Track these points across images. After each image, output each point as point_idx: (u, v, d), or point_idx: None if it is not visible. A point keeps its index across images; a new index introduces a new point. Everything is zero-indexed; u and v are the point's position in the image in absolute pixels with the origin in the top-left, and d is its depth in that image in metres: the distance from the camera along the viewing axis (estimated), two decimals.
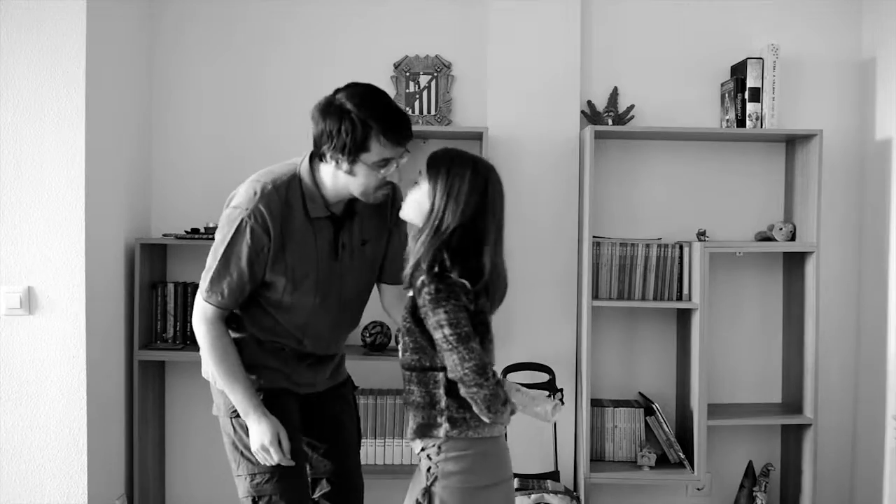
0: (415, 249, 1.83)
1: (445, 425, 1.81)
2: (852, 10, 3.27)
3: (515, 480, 2.63)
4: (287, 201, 1.94)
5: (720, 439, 3.26)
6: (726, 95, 3.17)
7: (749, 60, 3.08)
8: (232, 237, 1.93)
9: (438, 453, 1.82)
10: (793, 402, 3.16)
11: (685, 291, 3.03)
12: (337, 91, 1.91)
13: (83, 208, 2.66)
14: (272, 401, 2.04)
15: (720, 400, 3.25)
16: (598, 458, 3.11)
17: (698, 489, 3.27)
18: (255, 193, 1.93)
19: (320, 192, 1.97)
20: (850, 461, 3.30)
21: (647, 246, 3.04)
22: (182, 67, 3.25)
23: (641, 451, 3.05)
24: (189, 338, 3.10)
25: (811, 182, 3.02)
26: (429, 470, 1.83)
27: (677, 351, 3.24)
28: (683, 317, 3.16)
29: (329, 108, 1.87)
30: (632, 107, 3.20)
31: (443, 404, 1.82)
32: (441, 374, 1.81)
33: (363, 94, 1.89)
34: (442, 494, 1.80)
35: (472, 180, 1.81)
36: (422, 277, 1.77)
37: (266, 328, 2.06)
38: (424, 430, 1.84)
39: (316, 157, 1.97)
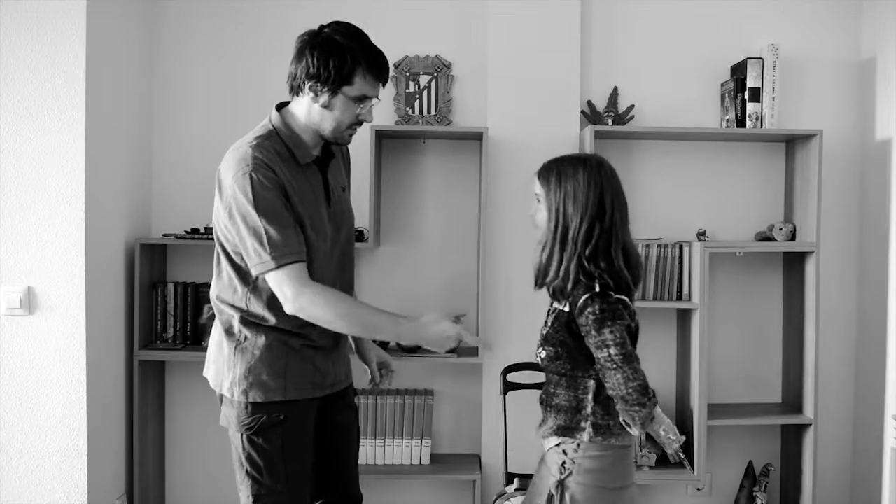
0: (547, 258, 1.89)
1: (590, 430, 1.88)
2: (852, 10, 3.27)
3: (516, 480, 2.64)
4: (276, 152, 1.92)
5: (720, 439, 3.26)
6: (726, 95, 3.17)
7: (749, 60, 3.08)
8: (254, 196, 1.83)
9: (577, 450, 1.88)
10: (793, 402, 3.16)
11: (685, 291, 3.03)
12: (322, 26, 1.95)
13: (83, 208, 2.66)
14: (292, 419, 1.96)
15: (720, 400, 3.25)
16: None
17: (698, 489, 3.27)
18: (246, 153, 1.88)
19: (301, 137, 1.97)
20: (850, 461, 3.30)
21: (647, 246, 3.04)
22: (182, 67, 3.25)
23: (641, 451, 3.05)
24: (189, 337, 3.10)
25: (811, 182, 3.02)
26: (563, 464, 1.89)
27: (677, 351, 3.24)
28: (683, 317, 3.16)
29: (316, 41, 1.92)
30: (632, 107, 3.20)
31: (589, 410, 1.88)
32: (592, 382, 1.88)
33: (352, 30, 1.96)
34: (575, 490, 1.87)
35: (585, 177, 1.87)
36: (584, 297, 1.82)
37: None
38: (565, 432, 1.90)
39: (292, 93, 1.96)
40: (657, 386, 3.23)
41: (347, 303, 1.92)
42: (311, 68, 1.89)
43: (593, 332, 1.80)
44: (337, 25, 1.96)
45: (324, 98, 1.92)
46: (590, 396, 1.88)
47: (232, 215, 1.89)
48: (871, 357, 3.16)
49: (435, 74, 3.21)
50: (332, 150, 2.07)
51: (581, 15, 3.18)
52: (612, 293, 1.82)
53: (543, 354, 1.93)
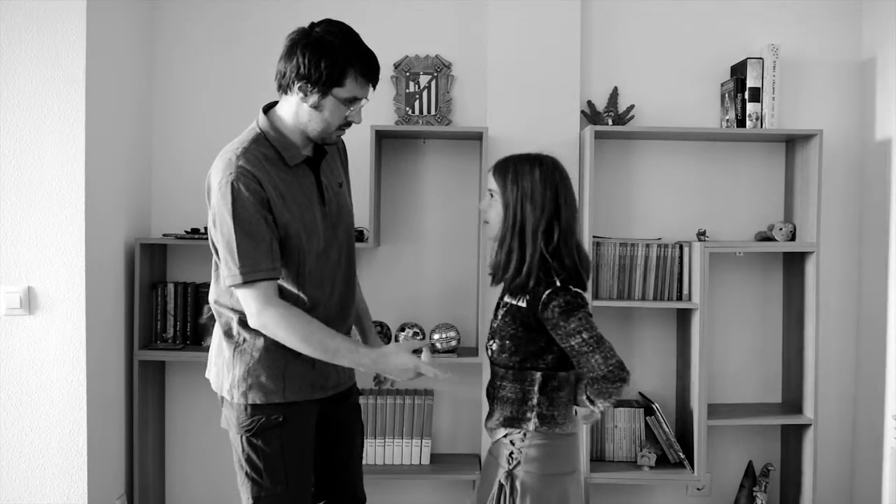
0: (506, 255, 1.94)
1: (535, 420, 1.95)
2: (852, 10, 3.27)
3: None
4: (263, 156, 1.89)
5: (720, 439, 3.26)
6: (726, 95, 3.17)
7: (749, 60, 3.08)
8: (233, 206, 1.82)
9: (523, 440, 1.95)
10: (793, 402, 3.16)
11: (685, 291, 3.03)
12: (313, 25, 1.91)
13: (83, 208, 2.66)
14: (291, 421, 1.97)
15: (720, 400, 3.25)
16: (598, 458, 3.11)
17: (698, 489, 3.27)
18: (230, 161, 1.86)
19: (289, 138, 1.95)
20: (850, 461, 3.30)
21: (647, 246, 3.04)
22: (182, 67, 3.25)
23: (641, 451, 3.05)
24: (189, 337, 3.10)
25: (811, 182, 3.02)
26: (511, 454, 1.96)
27: (677, 351, 3.24)
28: (683, 317, 3.16)
29: (307, 40, 1.87)
30: (632, 107, 3.20)
31: (534, 401, 1.95)
32: (538, 374, 1.94)
33: (344, 30, 1.91)
34: (524, 477, 1.93)
35: (541, 176, 1.94)
36: (547, 292, 1.88)
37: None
38: (512, 422, 1.97)
39: (280, 91, 1.94)
40: (657, 386, 3.25)
41: (310, 326, 1.88)
42: (302, 68, 1.86)
43: (561, 324, 1.86)
44: (329, 25, 1.92)
45: (313, 99, 1.89)
46: (535, 388, 1.95)
47: (214, 222, 1.89)
48: (871, 357, 3.16)
49: (435, 74, 3.21)
50: (326, 148, 2.05)
51: (581, 15, 3.18)
52: (570, 287, 1.91)
53: (494, 347, 1.99)
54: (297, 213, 1.92)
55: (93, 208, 2.71)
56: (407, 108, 3.20)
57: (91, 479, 2.71)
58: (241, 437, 1.97)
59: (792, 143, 3.19)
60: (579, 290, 1.93)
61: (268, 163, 1.89)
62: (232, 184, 1.83)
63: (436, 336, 3.04)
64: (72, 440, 2.68)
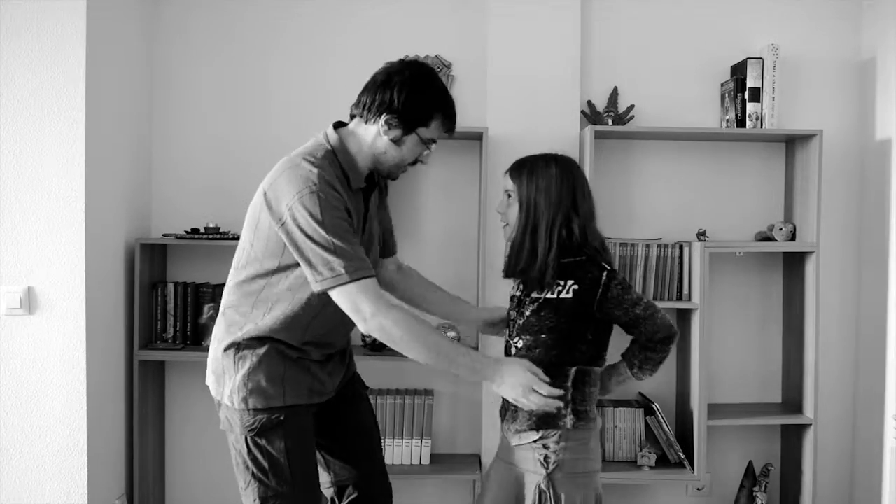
0: (517, 249, 1.97)
1: (571, 417, 1.93)
2: (852, 10, 3.27)
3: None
4: (334, 173, 1.91)
5: (720, 439, 3.26)
6: (726, 95, 3.17)
7: (749, 60, 3.08)
8: (322, 214, 1.81)
9: (559, 442, 1.92)
10: (793, 402, 3.16)
11: (685, 291, 3.03)
12: (404, 63, 1.98)
13: (83, 208, 2.66)
14: (292, 420, 1.97)
15: (720, 400, 3.25)
16: None
17: (698, 489, 3.27)
18: (308, 173, 1.85)
19: (356, 161, 1.98)
20: (850, 461, 3.30)
21: (647, 246, 3.04)
22: (182, 67, 3.25)
23: (641, 451, 3.05)
24: (189, 337, 3.10)
25: (811, 182, 3.02)
26: (545, 458, 1.92)
27: (677, 351, 3.24)
28: (683, 317, 3.16)
29: (403, 77, 1.93)
30: (632, 107, 3.20)
31: (569, 397, 1.93)
32: (572, 369, 1.93)
33: (436, 76, 2.00)
34: (563, 480, 1.91)
35: (558, 173, 1.96)
36: (604, 274, 1.92)
37: (301, 322, 1.96)
38: (548, 421, 1.93)
39: (360, 119, 1.97)
40: (657, 386, 3.25)
41: (427, 328, 1.88)
42: (395, 103, 1.91)
43: (626, 297, 1.91)
44: (422, 67, 2.00)
45: (395, 133, 1.94)
46: (570, 383, 1.94)
47: (290, 231, 1.85)
48: (871, 357, 3.16)
49: None
50: (376, 180, 2.09)
51: (581, 15, 3.18)
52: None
53: (521, 344, 1.97)
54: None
55: (93, 208, 2.71)
56: None
57: (91, 479, 2.71)
58: (246, 438, 1.97)
59: (792, 143, 3.19)
60: None
61: (336, 180, 1.91)
62: (318, 195, 1.83)
63: None
64: (72, 440, 2.68)
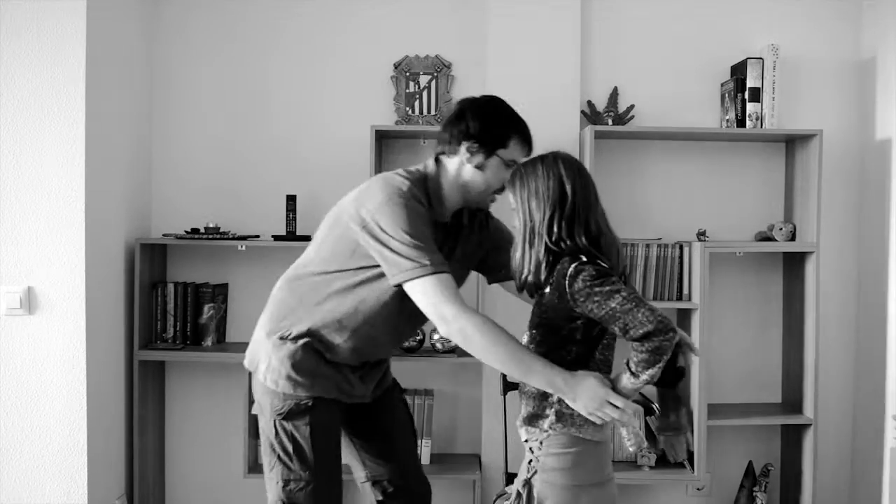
0: (520, 259, 1.89)
1: (552, 418, 1.86)
2: (852, 10, 3.27)
3: (516, 480, 2.63)
4: (420, 194, 1.98)
5: (720, 439, 3.26)
6: (726, 95, 3.17)
7: (749, 60, 3.08)
8: (408, 221, 1.89)
9: (540, 448, 1.87)
10: (793, 402, 3.16)
11: (685, 291, 3.03)
12: (477, 96, 2.11)
13: (83, 208, 2.66)
14: (320, 408, 2.03)
15: (720, 400, 3.25)
16: None
17: (698, 489, 3.27)
18: (400, 186, 1.94)
19: (444, 194, 2.05)
20: (850, 461, 3.30)
21: (647, 246, 3.04)
22: (182, 67, 3.25)
23: (641, 451, 3.05)
24: (189, 337, 3.09)
25: (811, 182, 3.02)
26: (530, 462, 1.89)
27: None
28: (683, 317, 3.16)
29: (475, 106, 2.05)
30: (632, 107, 3.20)
31: (554, 397, 1.86)
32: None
33: (505, 102, 2.11)
34: (540, 488, 1.85)
35: (543, 171, 1.89)
36: (574, 264, 1.80)
37: (346, 325, 2.02)
38: (532, 420, 1.89)
39: (446, 154, 2.05)
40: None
41: (506, 336, 1.88)
42: (471, 129, 2.00)
43: (596, 289, 1.76)
44: (489, 96, 2.11)
45: (478, 159, 2.01)
46: None
47: (372, 232, 1.91)
48: (871, 357, 3.16)
49: (435, 74, 3.21)
50: (463, 222, 2.15)
51: (581, 15, 3.18)
52: (599, 261, 1.83)
53: (525, 339, 1.94)
54: None
55: (93, 208, 2.71)
56: (407, 108, 3.20)
57: (91, 479, 2.71)
58: (274, 421, 2.03)
59: (792, 143, 3.19)
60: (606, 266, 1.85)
61: (423, 205, 1.98)
62: (405, 203, 1.91)
63: (436, 336, 3.04)
64: (72, 440, 2.68)
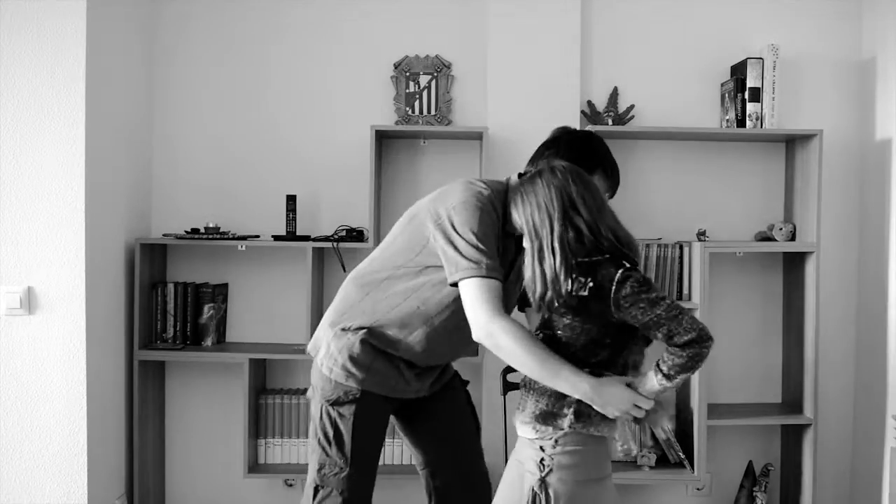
0: (530, 277, 1.89)
1: (571, 417, 1.87)
2: (852, 10, 3.27)
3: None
4: (498, 207, 2.03)
5: (720, 439, 3.26)
6: (726, 95, 3.17)
7: (749, 60, 3.08)
8: (479, 219, 1.94)
9: (555, 446, 1.88)
10: (793, 402, 3.16)
11: (685, 291, 3.03)
12: (587, 131, 2.22)
13: (83, 208, 2.66)
14: (367, 402, 2.07)
15: (720, 400, 3.25)
16: None
17: (698, 489, 3.27)
18: (481, 191, 2.00)
19: None
20: (850, 461, 3.30)
21: (647, 246, 3.04)
22: (182, 67, 3.25)
23: (641, 451, 3.05)
24: (189, 337, 3.09)
25: (811, 182, 3.02)
26: (542, 461, 1.89)
27: None
28: None
29: (574, 135, 2.14)
30: (632, 107, 3.20)
31: (573, 397, 1.87)
32: (584, 371, 1.88)
33: (604, 143, 2.18)
34: (556, 486, 1.86)
35: (543, 184, 1.90)
36: (620, 270, 1.83)
37: (409, 325, 2.07)
38: (547, 418, 1.89)
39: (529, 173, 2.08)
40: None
41: (535, 341, 1.90)
42: (561, 153, 2.04)
43: (643, 295, 1.81)
44: (592, 133, 2.17)
45: None
46: None
47: (443, 228, 1.96)
48: (871, 357, 3.16)
49: (435, 74, 3.21)
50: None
51: (581, 15, 3.18)
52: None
53: (540, 337, 1.93)
54: None
55: (93, 208, 2.71)
56: (407, 108, 3.20)
57: (91, 479, 2.71)
58: (322, 405, 2.09)
59: (792, 143, 3.19)
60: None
61: (498, 214, 2.03)
62: (480, 207, 1.96)
63: None
64: (72, 440, 2.68)
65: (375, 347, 2.08)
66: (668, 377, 1.84)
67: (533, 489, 1.88)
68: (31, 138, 2.64)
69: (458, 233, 1.94)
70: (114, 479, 2.94)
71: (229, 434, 3.24)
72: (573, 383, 1.86)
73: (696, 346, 1.81)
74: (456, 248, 1.94)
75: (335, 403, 2.07)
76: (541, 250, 1.88)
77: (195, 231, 3.05)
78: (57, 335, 2.67)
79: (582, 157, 2.05)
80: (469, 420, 2.36)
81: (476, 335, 1.92)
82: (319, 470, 2.09)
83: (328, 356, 2.10)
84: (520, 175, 2.10)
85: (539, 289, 1.88)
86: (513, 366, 1.92)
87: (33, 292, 2.66)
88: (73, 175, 2.65)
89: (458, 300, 1.98)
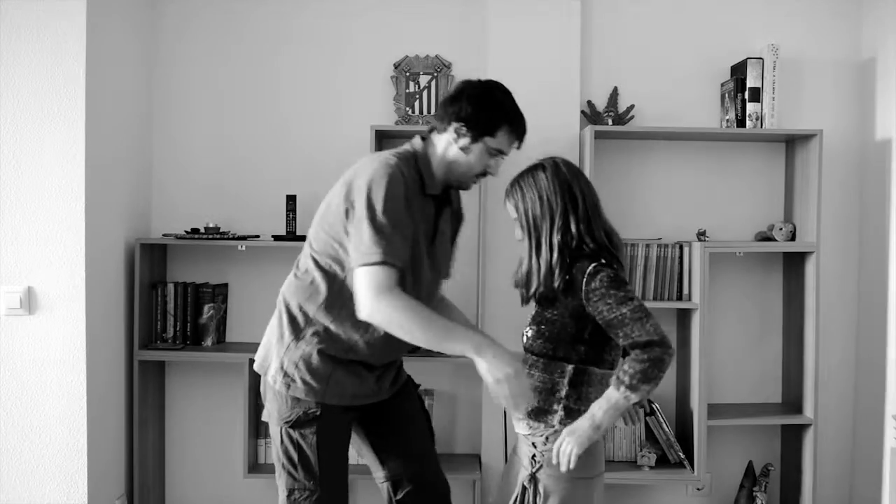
0: (526, 271, 1.93)
1: (561, 413, 1.90)
2: (852, 10, 3.27)
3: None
4: (410, 174, 1.99)
5: (720, 439, 3.26)
6: (726, 95, 3.17)
7: (749, 60, 3.08)
8: (385, 194, 1.89)
9: (545, 443, 1.90)
10: (793, 402, 3.16)
11: (685, 291, 3.03)
12: (484, 81, 2.09)
13: (83, 208, 2.66)
14: (328, 417, 2.02)
15: (720, 400, 3.25)
16: None
17: (698, 489, 3.27)
18: (387, 162, 1.95)
19: (433, 169, 2.06)
20: (850, 461, 3.30)
21: (647, 246, 3.04)
22: (182, 67, 3.25)
23: (641, 451, 3.05)
24: (189, 337, 3.09)
25: (811, 182, 3.02)
26: (533, 457, 1.91)
27: (677, 351, 3.24)
28: (683, 317, 3.16)
29: (474, 90, 2.05)
30: (632, 107, 3.20)
31: (563, 393, 1.90)
32: (570, 367, 1.90)
33: (508, 91, 2.09)
34: (546, 482, 1.88)
35: (546, 179, 1.93)
36: (593, 265, 1.85)
37: (357, 328, 2.01)
38: (539, 414, 1.91)
39: (436, 131, 2.06)
40: (658, 385, 3.25)
41: (426, 310, 1.91)
42: (463, 112, 2.01)
43: (612, 291, 1.82)
44: (493, 83, 2.09)
45: (464, 141, 2.03)
46: (565, 380, 1.91)
47: (351, 212, 1.93)
48: (871, 357, 3.16)
49: (435, 74, 3.21)
50: (451, 198, 2.17)
51: (581, 15, 3.18)
52: (615, 267, 1.88)
53: (530, 333, 1.96)
54: (418, 235, 2.01)
55: (93, 208, 2.71)
56: (407, 108, 3.20)
57: (91, 479, 2.71)
58: (281, 428, 2.03)
59: (792, 143, 3.19)
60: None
61: (411, 180, 2.00)
62: (389, 176, 1.91)
63: None
64: (72, 440, 2.68)
65: (332, 356, 2.02)
66: (631, 388, 1.80)
67: (522, 483, 1.91)
68: (31, 138, 2.64)
69: (363, 216, 1.89)
70: (114, 479, 2.94)
71: (229, 434, 3.24)
72: (462, 341, 1.86)
73: (657, 348, 1.78)
74: (355, 236, 1.91)
75: (295, 425, 2.01)
76: (539, 245, 1.90)
77: (195, 231, 3.05)
78: (57, 335, 2.67)
79: (486, 109, 2.01)
80: (427, 428, 2.31)
81: (361, 316, 1.91)
82: (290, 495, 2.03)
83: (282, 372, 2.03)
84: (422, 137, 2.09)
85: (534, 283, 1.91)
86: (403, 338, 1.89)
87: (33, 292, 2.66)
88: (73, 175, 2.65)
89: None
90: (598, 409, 1.85)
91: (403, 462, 2.22)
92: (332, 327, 2.02)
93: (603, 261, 1.87)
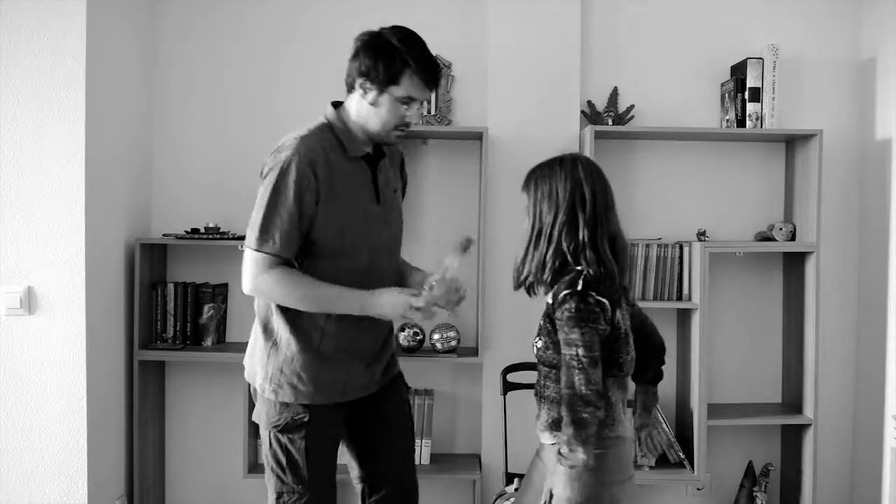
0: (521, 259, 1.93)
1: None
2: (852, 10, 3.27)
3: (516, 480, 2.64)
4: (324, 146, 1.98)
5: (720, 439, 3.26)
6: (726, 95, 3.17)
7: (749, 60, 3.08)
8: (276, 180, 1.91)
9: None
10: (793, 402, 3.16)
11: (685, 291, 3.03)
12: (382, 28, 2.03)
13: (83, 208, 2.66)
14: (317, 420, 2.01)
15: (720, 400, 3.25)
16: None
17: (698, 489, 3.27)
18: (293, 140, 1.95)
19: (353, 132, 2.03)
20: (850, 461, 3.30)
21: (647, 246, 3.04)
22: (182, 67, 3.25)
23: (641, 451, 3.05)
24: (189, 337, 3.09)
25: (811, 182, 3.02)
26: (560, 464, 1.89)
27: (677, 351, 3.24)
28: (683, 317, 3.16)
29: (371, 40, 2.00)
30: (632, 107, 3.20)
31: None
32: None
33: (407, 33, 2.03)
34: (571, 487, 1.85)
35: (561, 174, 1.90)
36: (564, 292, 1.82)
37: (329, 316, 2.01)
38: (557, 425, 1.89)
39: (347, 91, 2.04)
40: (657, 386, 3.24)
41: (305, 279, 1.95)
42: (363, 66, 1.97)
43: (566, 329, 1.81)
44: (394, 29, 2.03)
45: (371, 96, 1.98)
46: None
47: (259, 194, 1.95)
48: (871, 357, 3.16)
49: None
50: (384, 150, 2.13)
51: (581, 15, 3.18)
52: (593, 294, 1.82)
53: (540, 344, 1.95)
54: (350, 203, 2.00)
55: (93, 208, 2.71)
56: None
57: (91, 479, 2.71)
58: (270, 432, 2.02)
59: (792, 143, 3.19)
60: (604, 302, 1.83)
61: (330, 151, 1.98)
62: (286, 159, 1.92)
63: (436, 336, 3.04)
64: (72, 440, 2.68)
65: (317, 353, 2.00)
66: (573, 454, 1.80)
67: (550, 490, 1.89)
68: (31, 138, 2.64)
69: (261, 197, 1.94)
70: (114, 480, 2.94)
71: (229, 434, 3.24)
72: (349, 301, 1.93)
73: (579, 403, 1.77)
74: (253, 215, 1.95)
75: (284, 430, 2.00)
76: (539, 235, 1.90)
77: (195, 231, 3.05)
78: (57, 335, 2.67)
79: (382, 58, 1.95)
80: (408, 430, 2.27)
81: (245, 290, 1.97)
82: (279, 498, 2.03)
83: (268, 379, 2.02)
84: (334, 104, 2.08)
85: (525, 271, 1.92)
86: (290, 306, 1.95)
87: (33, 292, 2.66)
88: (73, 175, 2.65)
89: (342, 274, 1.98)
90: (559, 486, 1.85)
91: (378, 460, 2.19)
92: (297, 321, 2.00)
93: (579, 287, 1.81)
